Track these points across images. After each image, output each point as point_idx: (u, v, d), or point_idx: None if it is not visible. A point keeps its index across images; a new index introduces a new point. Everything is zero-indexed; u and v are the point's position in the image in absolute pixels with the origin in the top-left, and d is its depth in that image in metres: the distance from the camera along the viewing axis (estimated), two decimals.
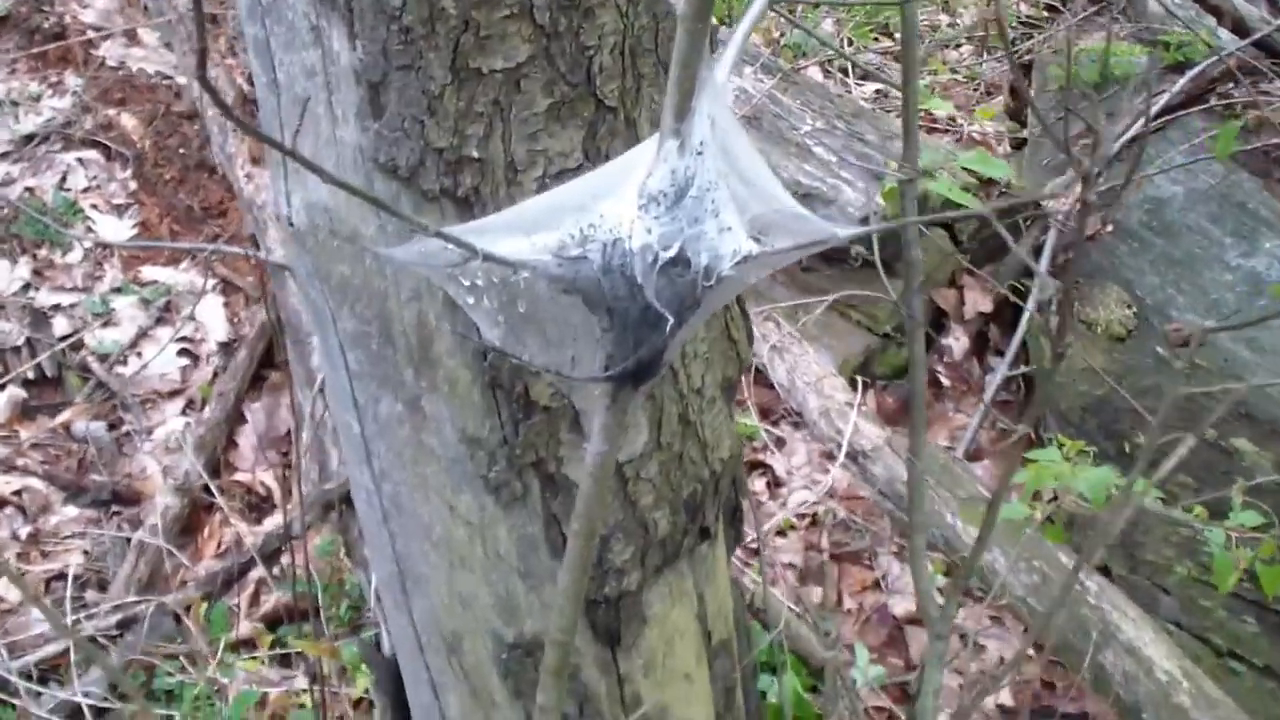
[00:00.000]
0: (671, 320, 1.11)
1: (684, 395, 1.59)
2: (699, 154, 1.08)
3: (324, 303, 1.49)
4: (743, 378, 3.68)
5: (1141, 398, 3.29)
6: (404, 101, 1.28)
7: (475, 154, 1.32)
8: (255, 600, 3.37)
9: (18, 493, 3.78)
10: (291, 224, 1.43)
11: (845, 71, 5.50)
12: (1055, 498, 2.51)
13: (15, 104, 5.16)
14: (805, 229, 1.10)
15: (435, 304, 1.40)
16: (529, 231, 1.10)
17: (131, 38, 5.64)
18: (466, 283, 1.12)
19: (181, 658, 3.18)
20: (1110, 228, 3.78)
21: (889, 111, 4.89)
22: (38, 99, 5.20)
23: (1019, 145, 4.97)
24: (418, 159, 1.31)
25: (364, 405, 1.53)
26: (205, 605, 3.22)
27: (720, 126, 1.10)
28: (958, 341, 3.98)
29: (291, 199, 1.41)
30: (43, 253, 4.55)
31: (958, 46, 6.06)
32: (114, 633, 3.24)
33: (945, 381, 3.93)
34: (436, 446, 1.50)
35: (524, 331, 1.17)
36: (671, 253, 1.07)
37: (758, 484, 3.62)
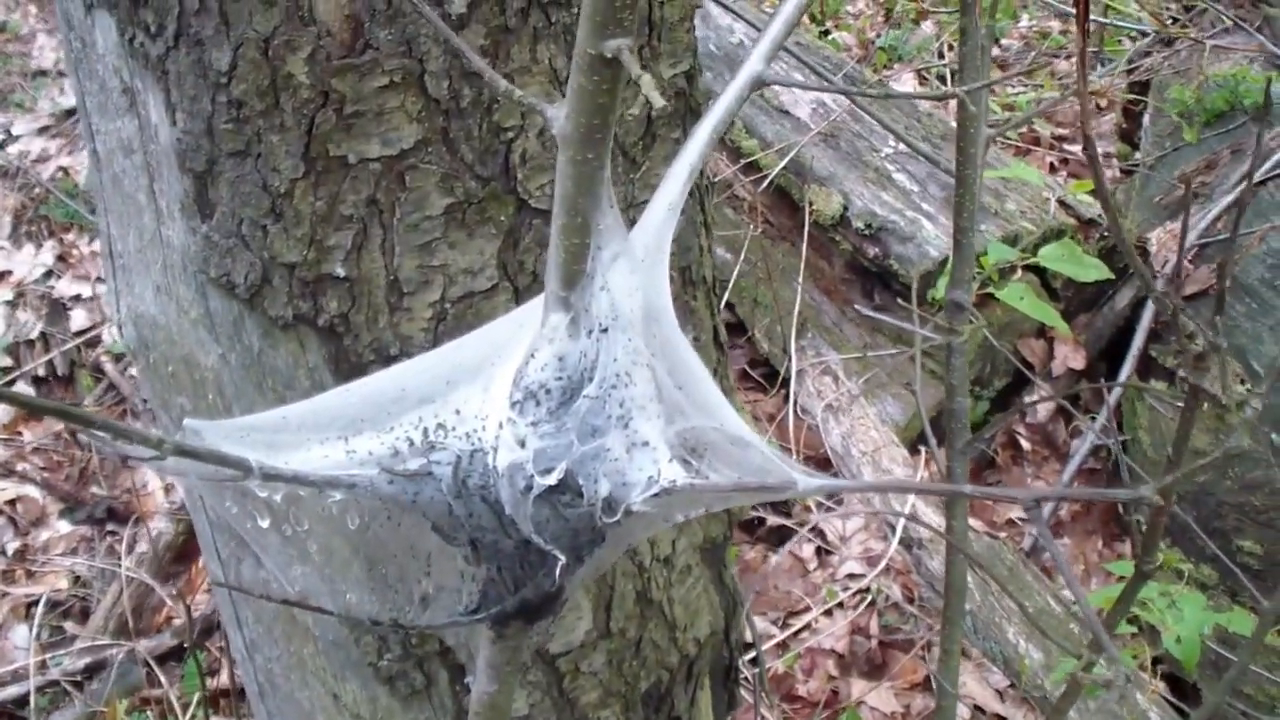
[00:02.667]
0: (561, 560, 0.75)
1: (645, 569, 1.21)
2: (602, 333, 0.71)
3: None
4: (795, 434, 3.30)
5: (1249, 492, 2.87)
6: (239, 199, 0.92)
7: (341, 272, 0.95)
8: None
9: (12, 502, 3.53)
10: (121, 334, 1.08)
11: (943, 79, 5.08)
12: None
13: (62, 75, 4.91)
14: (752, 464, 0.73)
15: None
16: (348, 430, 0.74)
17: None
18: (262, 494, 0.76)
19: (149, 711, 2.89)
20: (1229, 283, 3.35)
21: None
22: None
23: (1130, 171, 4.54)
24: (259, 275, 0.95)
25: (226, 561, 1.18)
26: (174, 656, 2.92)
27: (650, 294, 0.73)
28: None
29: (120, 304, 1.06)
30: (70, 237, 4.30)
31: (1069, 57, 5.60)
32: (81, 678, 2.96)
33: (1026, 444, 3.52)
34: (312, 625, 1.15)
35: (348, 564, 0.80)
36: (552, 479, 0.71)
37: (805, 550, 3.23)
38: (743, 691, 2.27)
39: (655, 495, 0.72)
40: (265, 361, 0.98)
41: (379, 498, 0.74)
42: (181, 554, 3.39)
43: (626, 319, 0.71)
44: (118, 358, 3.89)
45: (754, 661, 2.34)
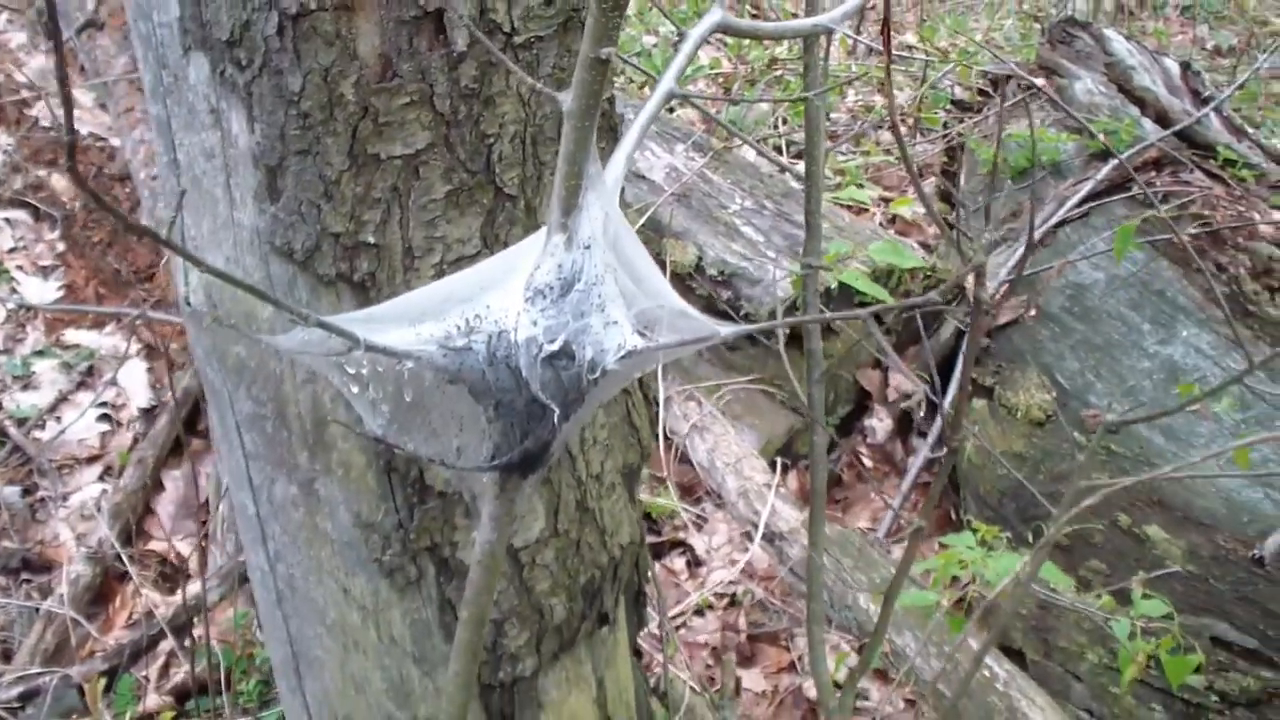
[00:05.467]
0: (557, 412, 1.11)
1: (582, 482, 1.58)
2: (586, 249, 1.09)
3: (221, 383, 1.48)
4: (665, 456, 3.69)
5: (1059, 483, 3.32)
6: (301, 186, 1.28)
7: (372, 240, 1.32)
8: (165, 673, 3.31)
9: None
10: (189, 303, 1.42)
11: (780, 150, 5.55)
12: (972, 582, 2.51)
13: None
14: (689, 326, 1.11)
15: (330, 387, 1.39)
16: (415, 321, 1.10)
17: None
18: (351, 371, 1.12)
19: None
20: (1034, 312, 3.83)
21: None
22: None
23: (950, 227, 5.03)
24: (314, 243, 1.31)
25: (259, 486, 1.52)
26: (106, 680, 3.15)
27: (611, 223, 1.10)
28: (881, 423, 4.00)
29: (189, 278, 1.40)
30: None
31: (892, 127, 6.11)
32: (15, 705, 3.17)
33: (868, 463, 3.95)
34: (331, 530, 1.49)
35: (410, 421, 1.16)
36: (556, 346, 1.08)
37: (678, 563, 3.61)
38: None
39: (623, 357, 1.09)
40: (310, 311, 1.34)
41: (434, 367, 1.10)
42: (99, 595, 3.61)
43: (600, 239, 1.09)
44: (20, 422, 4.11)
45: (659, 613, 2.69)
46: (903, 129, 5.98)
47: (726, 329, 1.09)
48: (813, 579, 1.89)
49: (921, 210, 5.21)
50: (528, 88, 1.33)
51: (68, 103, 0.76)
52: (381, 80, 1.26)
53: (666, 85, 1.20)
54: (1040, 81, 5.05)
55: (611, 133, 1.50)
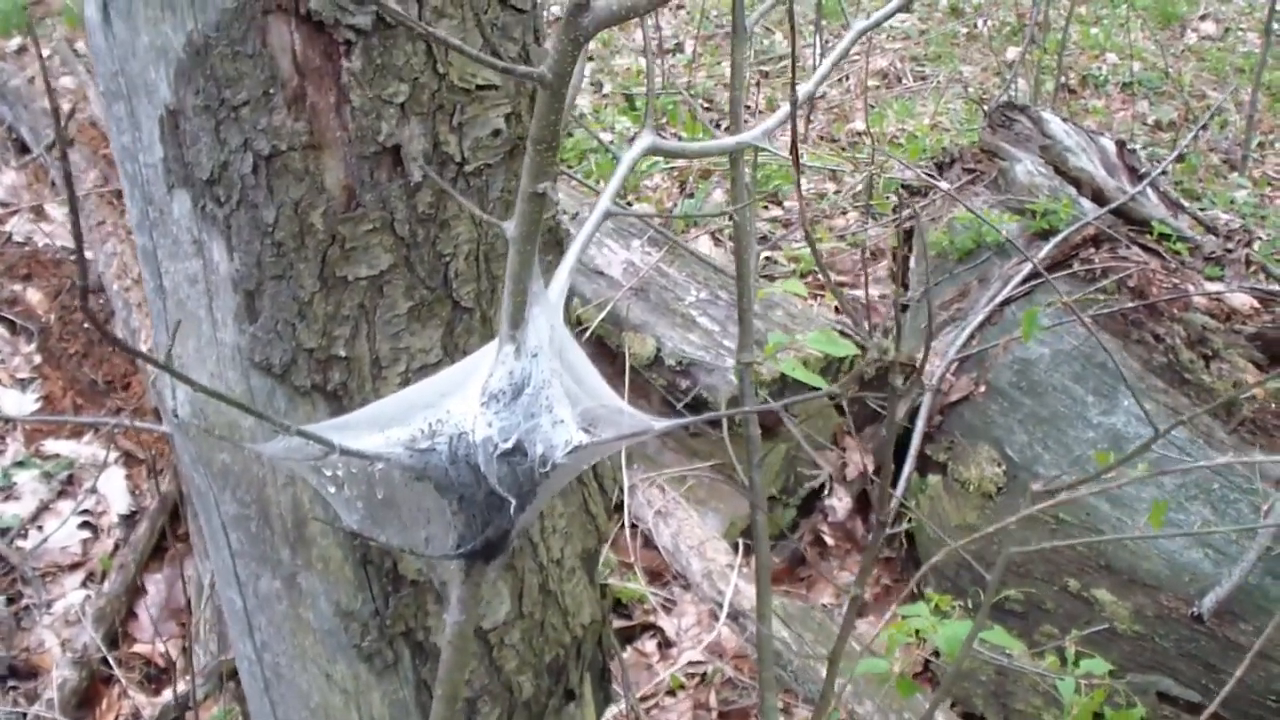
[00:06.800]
0: (514, 503, 1.24)
1: (544, 567, 1.71)
2: (534, 357, 1.22)
3: (207, 487, 1.60)
4: (632, 543, 3.81)
5: (1011, 557, 3.45)
6: (277, 307, 1.43)
7: (343, 353, 1.46)
8: None
9: None
10: (176, 416, 1.55)
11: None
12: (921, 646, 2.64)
13: None
14: (627, 423, 1.25)
15: (309, 489, 1.52)
16: (384, 426, 1.24)
17: (38, 213, 5.77)
18: (328, 473, 1.25)
19: None
20: (983, 388, 3.98)
21: (773, 278, 5.11)
22: None
23: (904, 309, 5.20)
24: (290, 358, 1.45)
25: (245, 582, 1.64)
26: None
27: (556, 332, 1.24)
28: (840, 501, 4.13)
29: (176, 393, 1.54)
30: None
31: (844, 213, 6.31)
32: None
33: (829, 540, 4.08)
34: (313, 620, 1.62)
35: (382, 516, 1.29)
36: (510, 444, 1.21)
37: (648, 645, 3.71)
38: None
39: (570, 452, 1.23)
40: (289, 420, 1.47)
41: (403, 466, 1.23)
42: (86, 699, 3.69)
43: (546, 347, 1.23)
44: (3, 532, 4.20)
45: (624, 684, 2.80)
46: (854, 214, 6.19)
47: (660, 424, 1.23)
48: (762, 648, 2.01)
49: (876, 294, 5.40)
50: (473, 213, 1.48)
51: (81, 259, 0.89)
52: (347, 210, 1.40)
53: (603, 205, 1.35)
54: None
55: (557, 246, 1.65)
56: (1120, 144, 5.26)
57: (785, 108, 1.48)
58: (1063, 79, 7.59)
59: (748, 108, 6.99)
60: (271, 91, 1.35)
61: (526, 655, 1.73)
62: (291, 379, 1.46)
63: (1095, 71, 8.39)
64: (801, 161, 6.43)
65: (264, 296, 1.43)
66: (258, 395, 1.48)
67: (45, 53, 6.91)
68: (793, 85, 1.36)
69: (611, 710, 2.96)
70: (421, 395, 1.25)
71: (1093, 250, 4.38)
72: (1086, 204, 4.65)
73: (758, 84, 7.77)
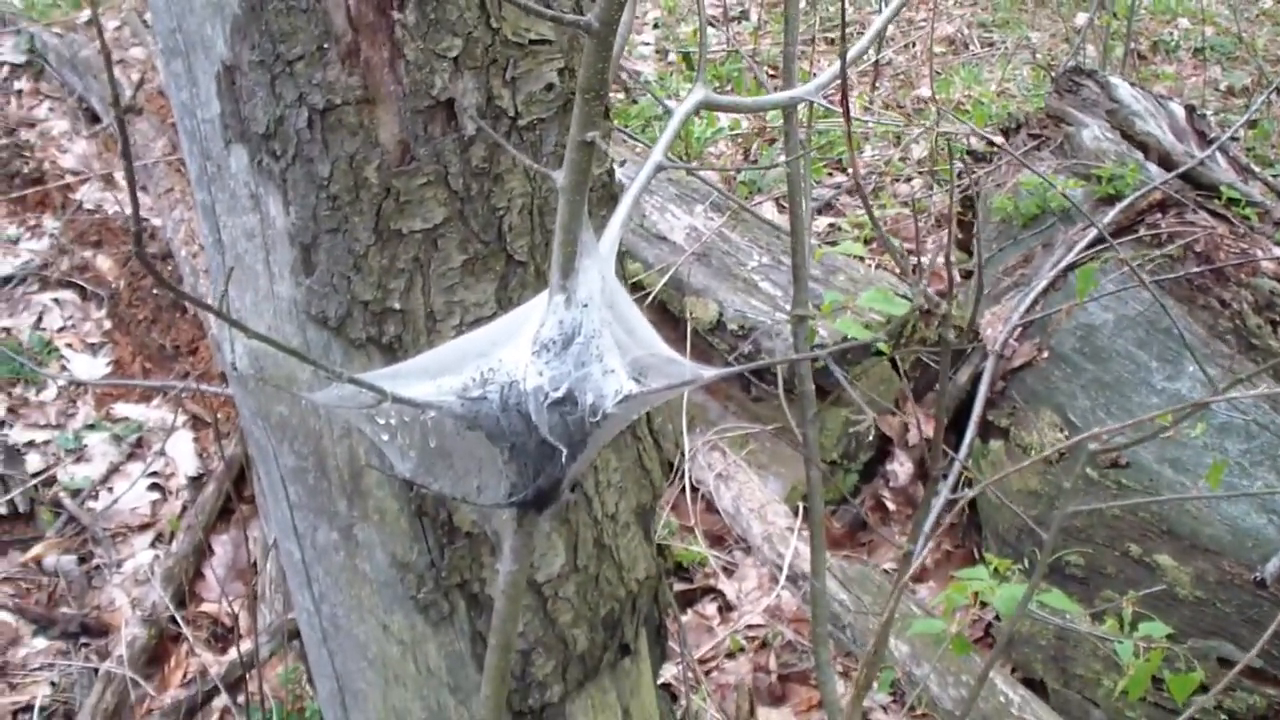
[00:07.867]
0: (565, 452, 1.25)
1: (598, 521, 1.72)
2: (584, 307, 1.23)
3: (266, 440, 1.63)
4: (693, 506, 3.82)
5: (1072, 517, 3.43)
6: (332, 260, 1.44)
7: (398, 306, 1.47)
8: None
9: None
10: (235, 369, 1.58)
11: None
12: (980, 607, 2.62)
13: None
14: (678, 372, 1.25)
15: (365, 441, 1.54)
16: (436, 375, 1.25)
17: (108, 181, 5.85)
18: (381, 422, 1.27)
19: None
20: (1046, 354, 3.94)
21: (835, 243, 5.09)
22: (16, 242, 5.39)
23: (968, 275, 5.16)
24: (345, 311, 1.46)
25: (303, 533, 1.67)
26: None
27: (608, 283, 1.25)
28: (902, 467, 4.12)
29: (235, 346, 1.56)
30: (17, 391, 4.68)
31: (908, 180, 6.27)
32: None
33: (891, 506, 4.07)
34: (369, 571, 1.64)
35: (435, 465, 1.31)
36: (560, 393, 1.22)
37: (709, 609, 3.73)
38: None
39: (621, 401, 1.23)
40: (344, 371, 1.49)
41: (454, 415, 1.24)
42: (155, 656, 3.77)
43: (597, 297, 1.23)
44: (74, 493, 4.28)
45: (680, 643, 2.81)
46: (918, 181, 6.14)
47: (709, 372, 1.24)
48: (816, 604, 2.02)
49: (940, 261, 5.35)
50: (525, 165, 1.49)
51: (134, 201, 0.91)
52: (401, 164, 1.41)
53: (655, 158, 1.35)
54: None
55: (612, 200, 1.65)
56: (1189, 109, 5.17)
57: (838, 65, 1.48)
58: (1133, 45, 7.47)
59: (814, 75, 6.95)
60: (326, 46, 1.36)
61: (581, 609, 1.74)
62: (347, 332, 1.48)
63: (1166, 37, 8.25)
64: (861, 120, 6.39)
65: (320, 250, 1.44)
66: (314, 348, 1.50)
67: (115, 24, 7.00)
68: (842, 35, 1.35)
69: (670, 671, 2.98)
70: (473, 344, 1.27)
71: (1159, 215, 4.32)
72: (1153, 169, 4.58)
73: (822, 50, 7.72)
